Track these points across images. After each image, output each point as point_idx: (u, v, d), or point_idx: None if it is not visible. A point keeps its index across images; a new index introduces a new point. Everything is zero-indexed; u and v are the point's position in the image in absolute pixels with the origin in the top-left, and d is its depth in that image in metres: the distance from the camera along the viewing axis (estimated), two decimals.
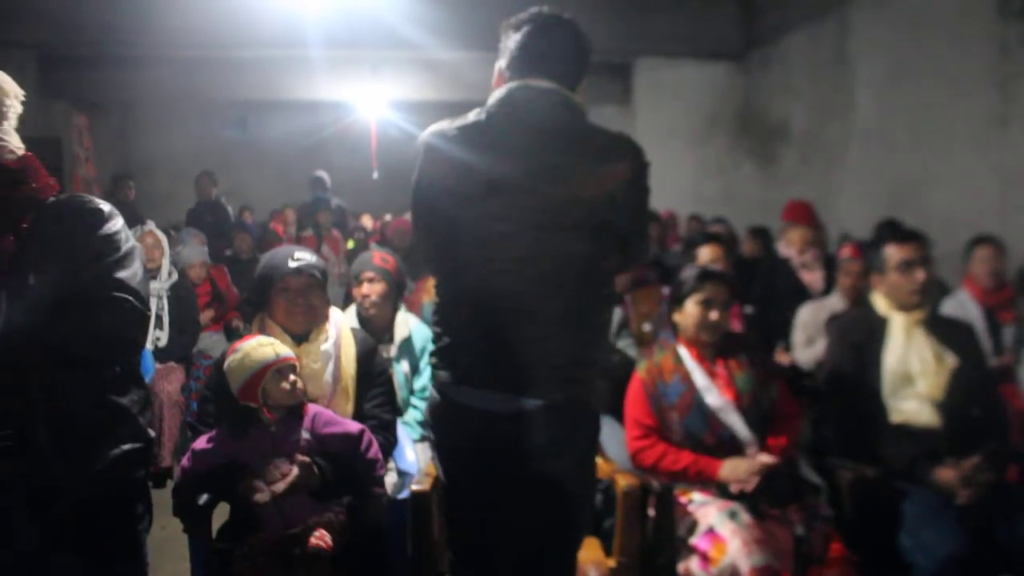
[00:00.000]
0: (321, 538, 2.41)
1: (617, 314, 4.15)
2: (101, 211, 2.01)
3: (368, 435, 2.63)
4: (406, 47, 8.61)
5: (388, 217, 10.44)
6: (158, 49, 9.31)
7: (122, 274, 1.95)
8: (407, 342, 3.60)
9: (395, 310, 3.67)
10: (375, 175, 12.59)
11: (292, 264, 2.84)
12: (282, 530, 2.44)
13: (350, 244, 8.87)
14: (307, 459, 2.50)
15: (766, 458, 2.85)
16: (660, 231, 7.05)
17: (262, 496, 2.43)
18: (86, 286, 1.91)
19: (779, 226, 5.69)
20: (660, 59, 9.95)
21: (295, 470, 2.47)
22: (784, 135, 8.33)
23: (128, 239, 2.03)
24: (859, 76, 7.15)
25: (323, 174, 8.58)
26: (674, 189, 9.96)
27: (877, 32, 6.91)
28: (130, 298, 1.94)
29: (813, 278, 5.15)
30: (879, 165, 6.86)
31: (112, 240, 1.99)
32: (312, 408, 2.62)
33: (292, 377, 2.57)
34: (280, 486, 2.44)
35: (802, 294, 4.99)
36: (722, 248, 4.45)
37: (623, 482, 2.85)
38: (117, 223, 2.02)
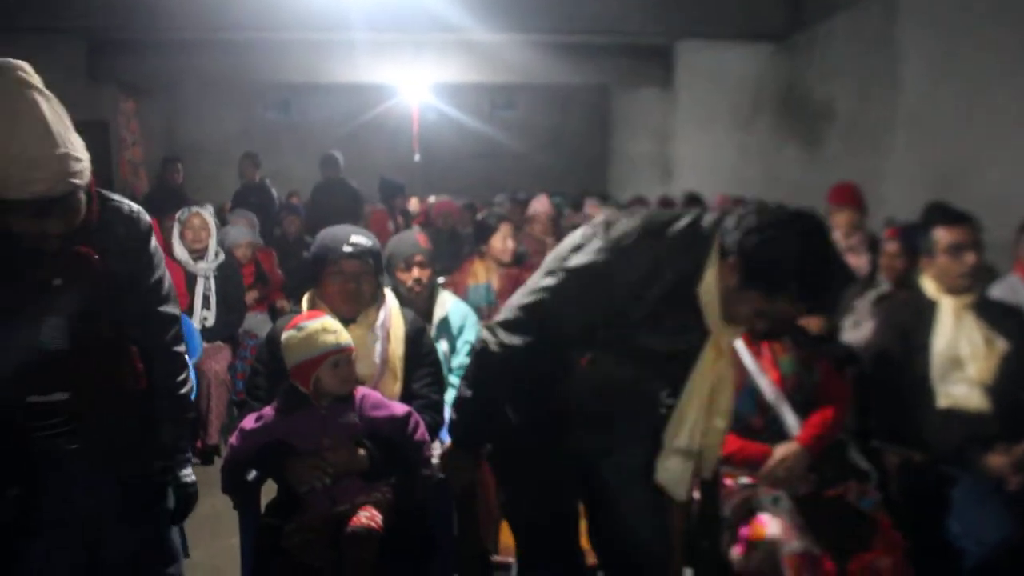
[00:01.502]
0: (372, 518, 2.43)
1: None
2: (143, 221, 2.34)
3: (415, 417, 2.64)
4: (447, 29, 8.63)
5: (432, 199, 10.47)
6: (203, 32, 9.45)
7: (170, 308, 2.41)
8: (445, 322, 3.63)
9: (433, 291, 3.70)
10: (416, 157, 12.68)
11: (347, 248, 2.84)
12: (330, 508, 2.47)
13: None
14: (356, 444, 2.53)
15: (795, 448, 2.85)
16: None
17: (315, 483, 2.46)
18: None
19: (823, 209, 5.64)
20: (702, 41, 9.89)
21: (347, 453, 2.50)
22: (828, 117, 8.22)
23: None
24: (905, 56, 7.04)
25: (337, 153, 8.49)
26: (716, 172, 9.90)
27: (925, 11, 6.80)
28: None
29: (859, 262, 5.09)
30: (926, 147, 6.76)
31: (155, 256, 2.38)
32: (360, 390, 2.63)
33: (347, 367, 2.57)
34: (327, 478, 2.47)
35: (850, 277, 4.93)
36: None
37: None
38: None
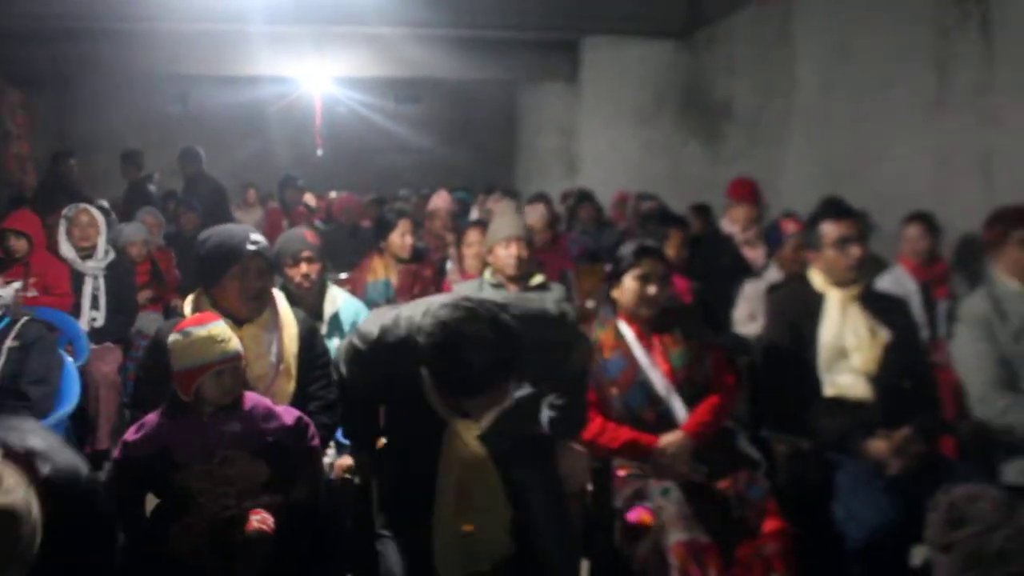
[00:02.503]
0: (263, 521, 2.38)
1: (561, 292, 4.17)
2: None
3: (304, 423, 2.58)
4: (349, 22, 8.53)
5: (333, 195, 10.32)
6: (96, 22, 9.10)
7: None
8: (336, 318, 3.60)
9: (323, 287, 3.66)
10: (319, 152, 12.50)
11: (251, 246, 2.77)
12: (216, 511, 2.40)
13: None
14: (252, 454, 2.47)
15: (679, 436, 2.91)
16: (593, 211, 7.09)
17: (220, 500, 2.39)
18: None
19: (724, 204, 5.74)
20: (606, 37, 9.96)
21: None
22: (729, 114, 8.39)
23: None
24: (802, 56, 7.22)
25: (199, 148, 8.10)
26: (620, 168, 10.00)
27: (819, 13, 6.99)
28: None
29: (755, 254, 5.22)
30: (821, 144, 6.95)
31: None
32: (250, 399, 2.54)
33: (231, 377, 2.48)
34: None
35: (745, 270, 5.05)
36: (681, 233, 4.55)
37: None
38: None
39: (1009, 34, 5.06)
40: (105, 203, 6.59)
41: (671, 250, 4.51)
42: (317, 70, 10.61)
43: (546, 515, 2.50)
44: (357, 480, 2.65)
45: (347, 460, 2.66)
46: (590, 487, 2.74)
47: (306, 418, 2.60)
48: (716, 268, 5.12)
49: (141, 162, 8.41)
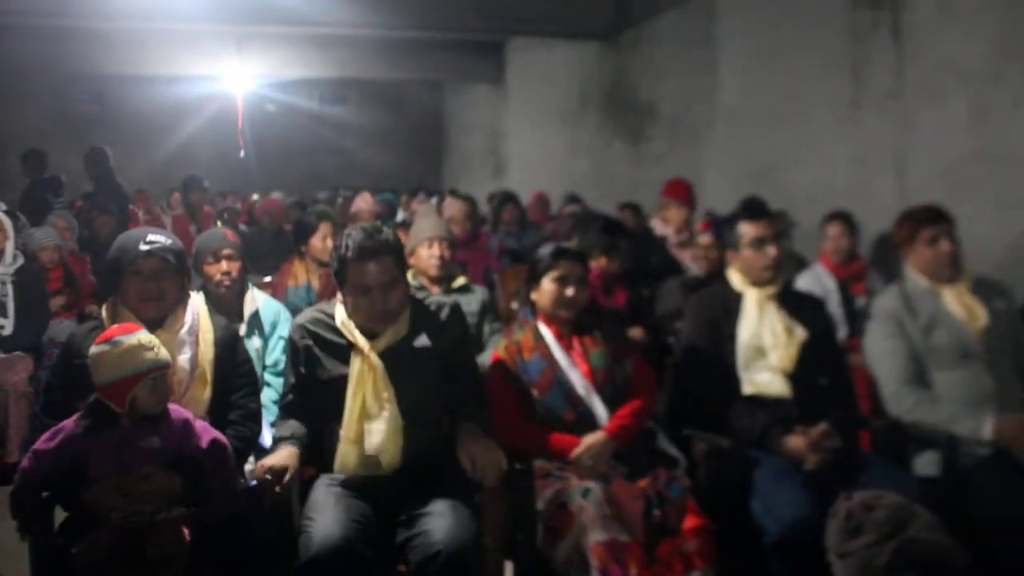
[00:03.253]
0: (177, 534, 2.33)
1: (483, 294, 4.16)
2: None
3: (219, 446, 2.53)
4: (271, 22, 8.39)
5: (255, 197, 10.15)
6: (7, 17, 8.81)
7: None
8: (256, 317, 3.57)
9: (243, 287, 3.62)
10: (242, 153, 12.29)
11: (144, 247, 2.75)
12: (128, 525, 2.33)
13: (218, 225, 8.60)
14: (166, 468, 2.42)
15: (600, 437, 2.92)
16: (517, 211, 7.09)
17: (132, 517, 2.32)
18: None
19: (651, 203, 5.80)
20: (532, 38, 10.00)
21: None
22: (653, 114, 8.48)
23: None
24: (724, 58, 7.34)
25: (107, 149, 7.81)
26: (546, 168, 10.05)
27: (740, 16, 7.10)
28: None
29: (687, 255, 5.27)
30: (743, 145, 7.07)
31: None
32: (173, 411, 2.51)
33: (164, 385, 2.47)
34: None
35: (677, 271, 5.10)
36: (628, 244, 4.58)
37: None
38: None
39: (919, 40, 5.21)
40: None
41: (618, 260, 4.52)
42: (239, 70, 10.42)
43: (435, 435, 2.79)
44: (278, 487, 2.59)
45: (270, 460, 2.61)
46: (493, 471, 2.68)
47: (222, 441, 2.55)
48: (646, 268, 5.16)
49: (44, 162, 8.12)
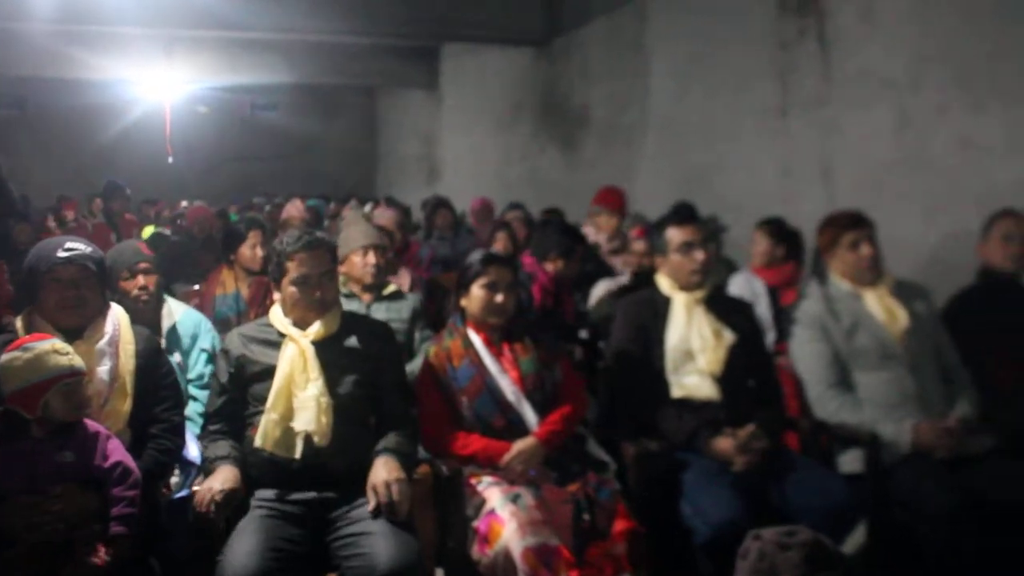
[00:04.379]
0: (96, 551, 2.29)
1: (415, 301, 4.14)
2: None
3: (125, 470, 2.44)
4: (200, 26, 8.25)
5: (184, 204, 9.97)
6: None
7: None
8: (174, 331, 3.49)
9: (160, 300, 3.54)
10: (170, 159, 12.06)
11: (62, 254, 2.70)
12: (42, 544, 2.26)
13: (147, 232, 8.42)
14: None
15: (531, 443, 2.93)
16: (451, 217, 7.09)
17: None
18: None
19: (584, 208, 5.83)
20: (465, 44, 10.00)
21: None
22: (585, 121, 8.54)
23: None
24: (655, 65, 7.41)
25: None
26: (480, 173, 10.06)
27: (671, 24, 7.19)
28: None
29: (617, 262, 5.31)
30: (674, 150, 7.15)
31: None
32: (90, 426, 2.45)
33: (80, 393, 2.41)
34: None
35: (610, 277, 5.12)
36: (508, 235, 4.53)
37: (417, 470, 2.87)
38: None
39: (843, 48, 5.33)
40: None
41: (575, 265, 4.53)
42: (168, 74, 10.23)
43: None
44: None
45: (215, 484, 2.56)
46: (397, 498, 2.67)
47: (129, 465, 2.46)
48: (581, 274, 5.19)
49: None
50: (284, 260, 2.83)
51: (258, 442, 2.71)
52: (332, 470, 2.69)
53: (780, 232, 4.94)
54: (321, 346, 2.80)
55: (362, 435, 2.79)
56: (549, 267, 4.40)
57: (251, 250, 4.55)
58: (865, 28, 5.19)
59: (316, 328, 2.82)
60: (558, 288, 4.46)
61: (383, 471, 2.64)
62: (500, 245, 5.05)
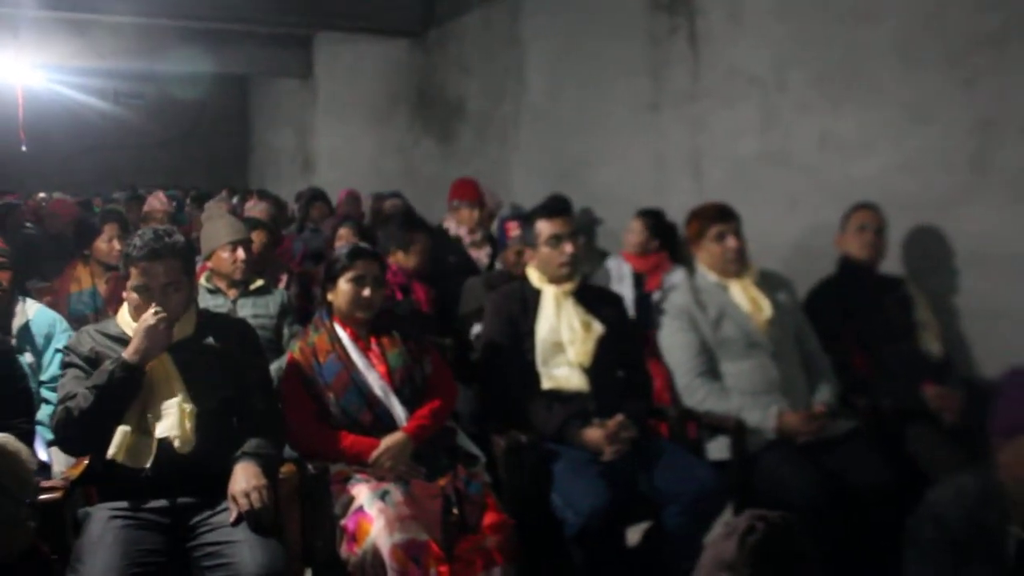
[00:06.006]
0: None
1: (283, 296, 4.04)
2: None
3: None
4: (52, 7, 7.81)
5: (42, 195, 9.47)
6: None
7: None
8: (26, 329, 3.32)
9: (15, 298, 3.35)
10: (23, 148, 11.42)
11: None
12: None
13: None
14: None
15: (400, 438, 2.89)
16: (326, 209, 6.97)
17: None
18: None
19: (449, 205, 5.79)
20: (340, 34, 9.82)
21: None
22: (461, 113, 8.49)
23: None
24: (530, 58, 7.42)
25: None
26: (355, 165, 9.91)
27: (545, 17, 7.20)
28: None
29: (480, 254, 5.30)
30: (549, 143, 7.17)
31: None
32: None
33: None
34: None
35: (472, 270, 5.12)
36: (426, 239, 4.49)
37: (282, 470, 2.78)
38: None
39: (712, 46, 5.43)
40: None
41: (415, 256, 4.46)
42: (17, 58, 9.64)
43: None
44: None
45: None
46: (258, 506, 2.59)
47: None
48: (444, 268, 5.16)
49: None
50: (128, 264, 2.67)
51: (111, 453, 2.55)
52: (193, 476, 2.58)
53: (657, 225, 5.04)
54: (178, 349, 2.67)
55: (225, 438, 2.68)
56: (391, 261, 4.35)
57: (107, 243, 4.37)
58: (733, 27, 5.30)
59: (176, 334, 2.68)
60: (404, 280, 4.40)
61: (243, 479, 2.55)
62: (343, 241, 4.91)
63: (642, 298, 4.66)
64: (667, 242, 5.08)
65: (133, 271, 2.64)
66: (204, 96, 13.20)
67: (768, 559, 1.69)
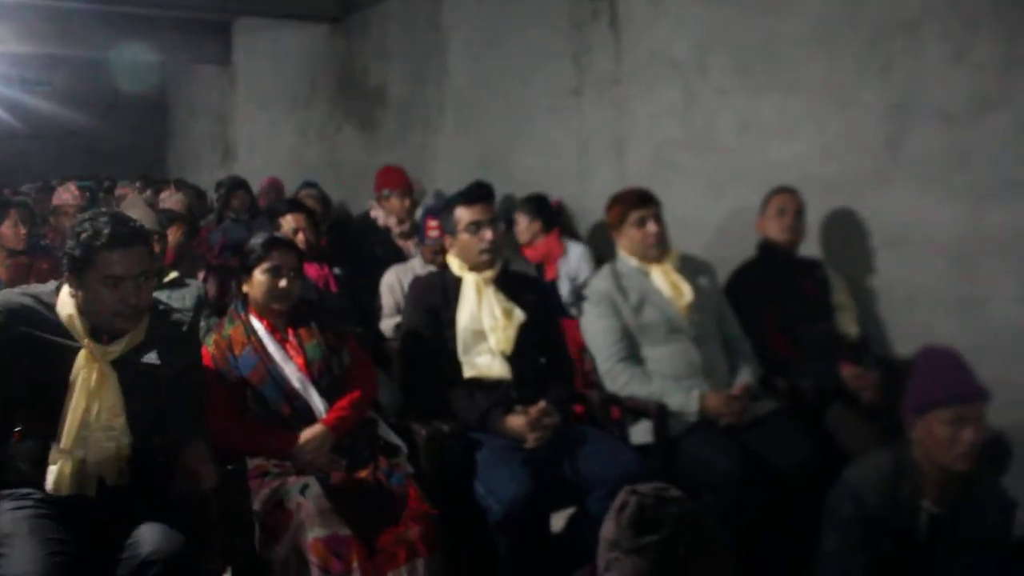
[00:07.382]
0: None
1: (198, 288, 3.94)
2: None
3: None
4: None
5: None
6: None
7: None
8: None
9: None
10: None
11: None
12: None
13: None
14: None
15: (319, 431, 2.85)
16: (247, 199, 6.83)
17: None
18: None
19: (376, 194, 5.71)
20: (260, 19, 9.62)
21: None
22: (383, 100, 8.39)
23: None
24: (452, 44, 7.36)
25: None
26: (277, 153, 9.73)
27: (467, 2, 7.14)
28: None
29: (408, 245, 5.23)
30: (473, 130, 7.13)
31: None
32: None
33: None
34: None
35: (400, 259, 5.04)
36: (303, 215, 4.32)
37: None
38: None
39: (634, 30, 5.44)
40: None
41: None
42: None
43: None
44: None
45: None
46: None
47: None
48: (371, 258, 5.08)
49: None
50: (92, 253, 2.39)
51: (52, 487, 2.36)
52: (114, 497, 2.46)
53: (537, 208, 5.08)
54: (120, 364, 2.48)
55: (151, 458, 2.56)
56: None
57: (13, 228, 4.22)
58: (654, 11, 5.31)
59: (119, 345, 2.48)
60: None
61: (202, 455, 2.51)
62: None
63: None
64: (551, 220, 5.11)
65: (100, 260, 2.40)
66: (120, 82, 12.75)
67: (646, 530, 1.69)
